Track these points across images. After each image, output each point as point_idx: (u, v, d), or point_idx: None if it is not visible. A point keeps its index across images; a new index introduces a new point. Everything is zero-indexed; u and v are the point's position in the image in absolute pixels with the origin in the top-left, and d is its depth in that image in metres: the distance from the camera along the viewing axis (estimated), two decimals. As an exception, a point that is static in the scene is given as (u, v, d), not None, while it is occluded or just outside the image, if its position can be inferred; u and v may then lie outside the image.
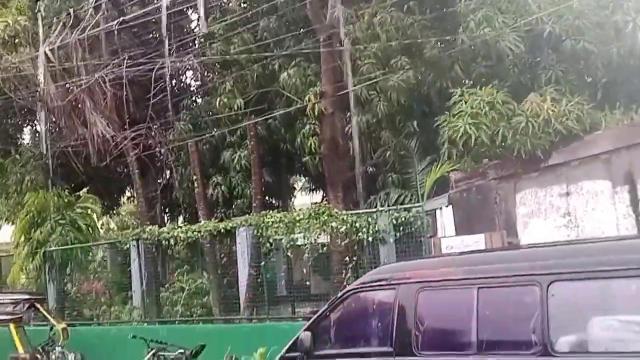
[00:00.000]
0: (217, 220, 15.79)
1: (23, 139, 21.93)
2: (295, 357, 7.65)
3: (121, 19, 16.95)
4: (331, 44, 15.20)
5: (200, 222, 16.22)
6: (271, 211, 14.95)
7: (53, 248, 17.65)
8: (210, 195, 17.82)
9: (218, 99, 17.30)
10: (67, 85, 17.99)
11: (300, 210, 15.80)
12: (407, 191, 14.68)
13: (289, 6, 16.74)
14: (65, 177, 20.57)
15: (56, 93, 17.55)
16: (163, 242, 15.82)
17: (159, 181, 20.95)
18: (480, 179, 11.12)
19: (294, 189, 23.29)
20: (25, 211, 18.52)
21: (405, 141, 14.97)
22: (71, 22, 17.35)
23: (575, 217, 9.66)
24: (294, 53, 16.49)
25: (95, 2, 17.55)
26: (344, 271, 13.45)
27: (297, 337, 7.62)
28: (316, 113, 15.45)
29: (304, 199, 23.90)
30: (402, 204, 13.92)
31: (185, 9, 18.85)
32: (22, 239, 18.44)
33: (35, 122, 20.43)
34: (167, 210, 22.35)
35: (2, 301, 14.33)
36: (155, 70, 16.92)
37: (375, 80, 14.50)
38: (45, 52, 17.31)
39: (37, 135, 20.64)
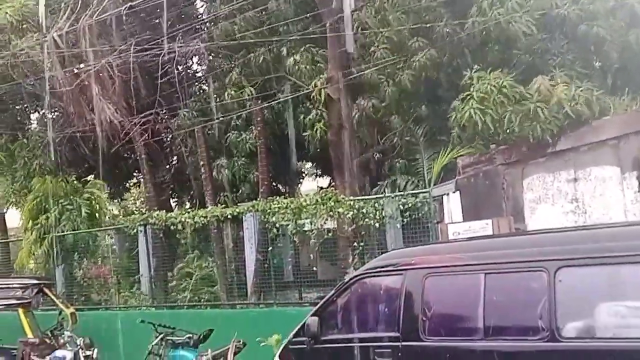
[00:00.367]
0: (224, 206, 15.81)
1: (31, 125, 21.94)
2: (303, 342, 7.70)
3: (129, 4, 16.87)
4: (338, 28, 15.12)
5: (207, 207, 16.25)
6: (278, 197, 14.95)
7: (61, 233, 17.71)
8: (217, 180, 17.81)
9: (227, 92, 17.22)
10: (75, 71, 17.96)
11: (307, 196, 15.80)
12: (414, 177, 14.65)
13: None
14: (73, 163, 20.61)
15: (64, 78, 17.52)
16: (170, 227, 15.86)
17: (166, 166, 20.97)
18: (487, 164, 11.10)
19: (301, 174, 23.28)
20: (32, 196, 18.57)
21: (413, 127, 14.92)
22: (79, 6, 17.28)
23: (582, 202, 9.63)
24: (302, 38, 16.40)
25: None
26: (350, 257, 13.46)
27: (304, 323, 7.67)
28: (323, 99, 15.42)
29: (310, 185, 23.91)
30: (409, 189, 13.90)
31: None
32: (30, 224, 18.49)
33: (43, 107, 20.43)
34: (174, 196, 22.39)
35: (10, 286, 14.41)
36: (162, 56, 16.87)
37: (386, 63, 14.40)
38: (53, 37, 17.27)
39: (44, 120, 20.66)
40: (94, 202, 18.57)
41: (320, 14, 15.91)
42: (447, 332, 6.64)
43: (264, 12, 17.24)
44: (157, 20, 18.91)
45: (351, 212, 13.30)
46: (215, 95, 18.26)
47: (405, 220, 13.07)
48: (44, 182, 18.49)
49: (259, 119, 16.88)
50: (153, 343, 11.84)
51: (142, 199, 23.33)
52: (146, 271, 16.73)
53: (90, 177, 21.23)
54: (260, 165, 16.80)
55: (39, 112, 21.05)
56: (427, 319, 6.70)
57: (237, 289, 15.68)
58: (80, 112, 18.15)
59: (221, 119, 17.74)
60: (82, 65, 17.56)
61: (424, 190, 13.06)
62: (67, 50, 17.33)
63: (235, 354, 10.91)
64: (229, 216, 15.18)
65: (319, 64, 16.03)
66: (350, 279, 7.80)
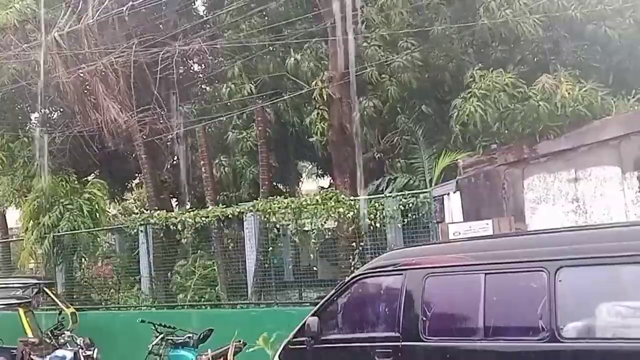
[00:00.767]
0: (224, 206, 15.80)
1: (31, 124, 21.94)
2: (303, 342, 7.70)
3: (130, 3, 16.86)
4: (339, 27, 15.10)
5: (207, 207, 16.24)
6: (278, 197, 14.94)
7: (61, 233, 17.70)
8: (217, 179, 17.80)
9: (225, 86, 17.24)
10: (77, 70, 17.96)
11: (307, 195, 15.79)
12: (415, 176, 14.65)
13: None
14: (74, 162, 20.60)
15: (66, 77, 17.52)
16: (171, 227, 15.85)
17: (167, 166, 20.95)
18: (488, 164, 11.09)
19: (302, 174, 23.27)
20: (33, 196, 18.56)
21: (414, 126, 14.92)
22: (80, 6, 17.28)
23: (583, 203, 9.62)
24: (303, 37, 16.40)
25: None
26: (351, 256, 13.46)
27: (304, 322, 7.66)
28: (324, 98, 15.42)
29: (311, 185, 23.92)
30: (410, 189, 13.90)
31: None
32: (31, 223, 18.49)
33: (47, 107, 20.45)
34: (175, 195, 22.38)
35: (11, 285, 14.41)
36: (162, 54, 16.86)
37: (383, 62, 14.42)
38: (54, 37, 17.27)
39: (45, 120, 20.67)
40: (94, 202, 18.54)
41: (321, 13, 15.91)
42: (447, 332, 6.63)
43: (265, 13, 17.23)
44: (158, 19, 18.93)
45: (352, 212, 13.30)
46: (216, 94, 18.26)
47: (406, 220, 13.07)
48: (44, 181, 18.47)
49: (259, 118, 16.86)
50: (153, 343, 11.85)
51: (143, 199, 23.29)
52: (146, 271, 16.72)
53: (91, 177, 21.19)
54: (261, 165, 16.78)
55: (40, 112, 21.04)
56: (427, 319, 6.69)
57: (238, 288, 15.66)
58: (82, 111, 18.16)
59: (222, 117, 17.74)
60: (84, 65, 17.55)
61: (424, 190, 13.06)
62: (69, 50, 17.33)
63: (235, 353, 10.90)
64: (230, 216, 15.17)
65: (323, 61, 16.02)
66: (351, 279, 7.79)
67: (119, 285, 18.05)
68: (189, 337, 11.74)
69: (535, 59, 12.53)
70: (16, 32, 18.27)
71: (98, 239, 18.59)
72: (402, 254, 8.08)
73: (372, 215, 13.09)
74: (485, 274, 6.30)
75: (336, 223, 14.17)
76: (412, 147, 15.00)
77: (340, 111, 15.41)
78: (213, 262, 15.99)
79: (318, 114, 16.16)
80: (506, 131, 10.96)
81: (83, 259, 18.56)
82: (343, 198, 13.60)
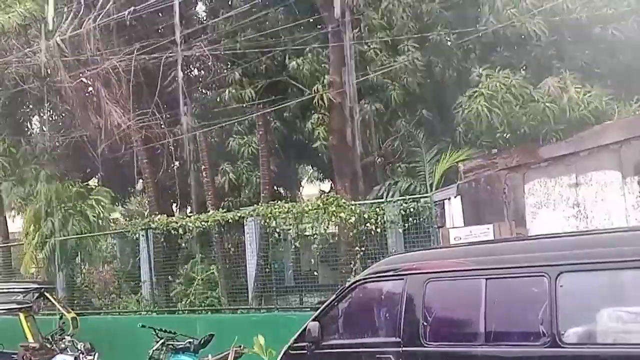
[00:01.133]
0: (225, 210, 15.80)
1: (33, 128, 21.97)
2: (303, 347, 7.68)
3: (132, 8, 16.87)
4: (340, 32, 15.13)
5: (208, 211, 16.24)
6: (279, 201, 14.94)
7: (62, 237, 17.70)
8: (219, 184, 17.81)
9: (227, 91, 17.25)
10: (80, 75, 17.99)
11: (308, 200, 15.79)
12: (416, 181, 14.65)
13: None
14: (77, 167, 20.61)
15: (68, 82, 17.54)
16: (172, 232, 15.85)
17: (168, 171, 20.97)
18: (489, 169, 11.08)
19: (302, 178, 23.27)
20: (35, 200, 18.57)
21: (415, 130, 14.93)
22: (82, 10, 17.31)
23: (584, 207, 9.61)
24: (304, 42, 16.42)
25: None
26: (352, 261, 13.45)
27: (305, 327, 7.64)
28: (326, 102, 15.44)
29: (312, 189, 23.91)
30: (410, 194, 13.89)
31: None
32: (32, 228, 18.49)
33: (48, 111, 20.46)
34: (176, 200, 22.38)
35: (12, 290, 14.39)
36: (164, 58, 16.88)
37: (385, 65, 14.44)
38: (56, 41, 17.29)
39: (48, 125, 20.69)
40: (97, 207, 18.54)
41: (322, 18, 15.94)
42: (448, 337, 6.62)
43: (265, 19, 17.23)
44: (158, 24, 18.95)
45: (353, 217, 13.29)
46: (217, 99, 18.28)
47: (406, 224, 13.06)
48: (47, 188, 18.47)
49: (260, 122, 16.87)
50: (153, 348, 11.82)
51: (145, 203, 23.31)
52: (147, 276, 16.71)
53: (93, 181, 21.19)
54: (262, 169, 16.78)
55: (42, 117, 21.06)
56: (428, 324, 6.67)
57: (238, 293, 15.66)
58: (84, 116, 18.18)
59: (223, 123, 17.75)
60: (86, 69, 17.57)
61: (425, 195, 13.05)
62: (71, 54, 17.34)
63: (235, 359, 10.88)
64: (230, 221, 15.17)
65: (323, 64, 16.04)
66: (351, 284, 7.78)
67: (119, 290, 18.03)
68: (189, 343, 11.72)
69: (540, 62, 12.51)
70: (18, 36, 18.29)
71: (99, 243, 18.58)
72: (403, 259, 8.07)
73: (373, 220, 13.08)
74: (486, 279, 6.28)
75: (337, 228, 14.16)
76: (413, 151, 15.01)
77: (341, 115, 15.42)
78: (214, 267, 15.98)
79: (319, 118, 16.17)
80: (509, 134, 10.95)
81: (84, 264, 18.55)
82: (344, 203, 13.59)
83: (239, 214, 15.11)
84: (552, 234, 8.01)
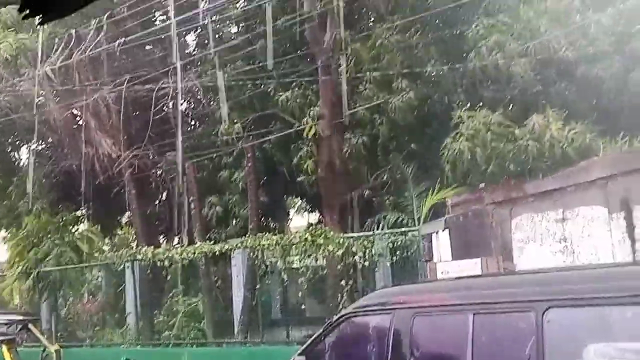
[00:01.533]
0: (212, 242, 15.74)
1: (21, 159, 21.91)
2: (290, 381, 7.60)
3: (122, 39, 16.97)
4: (329, 67, 15.28)
5: (195, 243, 16.17)
6: (267, 233, 14.91)
7: (47, 268, 17.54)
8: (206, 216, 17.76)
9: (220, 127, 17.29)
10: (68, 105, 18.01)
11: (296, 232, 15.77)
12: (404, 214, 14.68)
13: (287, 30, 16.82)
14: (64, 198, 20.52)
15: (57, 112, 17.56)
16: (158, 263, 15.75)
17: (156, 202, 20.91)
18: (476, 203, 11.12)
19: (290, 210, 23.24)
20: (21, 231, 18.43)
21: (403, 164, 15.00)
22: (73, 41, 17.39)
23: (571, 242, 9.63)
24: (292, 75, 16.55)
25: (97, 23, 17.61)
26: (339, 295, 13.39)
27: (292, 362, 7.58)
28: (316, 135, 15.51)
29: (300, 221, 23.86)
30: (399, 227, 13.91)
31: (184, 33, 18.93)
32: (18, 259, 18.32)
33: (38, 141, 20.44)
34: (163, 231, 22.28)
35: (-5, 321, 14.18)
36: (154, 91, 16.95)
37: (374, 101, 14.58)
38: (46, 72, 17.34)
39: (36, 155, 20.64)
40: (84, 239, 18.42)
41: (312, 51, 16.08)
42: (435, 372, 6.58)
43: (254, 53, 17.36)
44: (148, 56, 19.04)
45: (341, 250, 13.26)
46: (206, 131, 18.33)
47: (394, 258, 13.05)
48: (36, 219, 18.35)
49: (249, 155, 16.91)
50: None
51: (132, 234, 23.19)
52: (133, 308, 16.56)
53: (81, 212, 21.07)
54: (250, 201, 16.77)
55: (30, 147, 21.02)
56: (416, 358, 6.63)
57: (224, 326, 15.53)
58: (72, 146, 18.16)
59: (212, 155, 17.77)
60: (76, 100, 17.61)
61: (413, 228, 13.07)
62: (61, 84, 17.38)
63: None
64: (218, 253, 15.10)
65: (309, 98, 16.15)
66: (339, 318, 7.73)
67: (104, 322, 17.83)
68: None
69: (526, 99, 12.67)
70: (8, 66, 18.32)
71: (84, 274, 18.42)
72: (391, 293, 8.03)
73: (361, 253, 13.06)
74: (474, 314, 6.26)
75: (325, 261, 14.12)
76: (401, 184, 15.06)
77: (330, 148, 15.49)
78: (200, 300, 15.86)
79: (307, 151, 16.23)
80: (495, 170, 11.03)
81: (69, 295, 18.36)
82: (332, 235, 13.58)
83: (226, 246, 15.05)
84: (539, 269, 8.02)
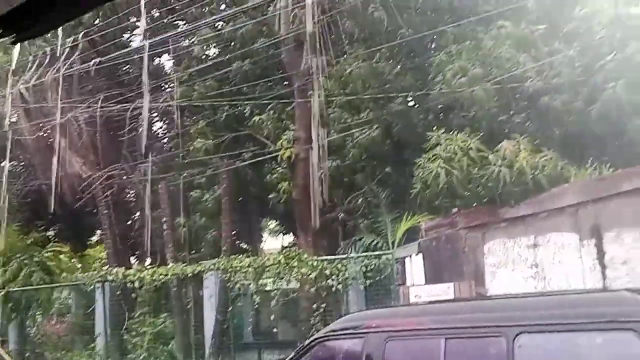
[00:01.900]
0: (184, 264, 15.61)
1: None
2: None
3: (98, 59, 16.92)
4: (305, 90, 15.35)
5: (167, 264, 16.02)
6: (240, 255, 14.84)
7: (16, 289, 17.25)
8: (179, 237, 17.64)
9: (191, 144, 17.25)
10: (41, 124, 17.86)
11: (270, 254, 15.71)
12: (378, 237, 14.70)
13: (263, 51, 16.91)
14: (34, 217, 20.26)
15: (29, 131, 17.40)
16: (129, 284, 15.56)
17: (127, 222, 20.72)
18: (449, 227, 11.17)
19: (264, 232, 23.18)
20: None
21: (377, 188, 15.05)
22: (47, 60, 17.29)
23: (542, 269, 9.70)
24: (268, 98, 16.60)
25: (72, 42, 17.54)
26: (312, 318, 13.34)
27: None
28: (292, 158, 15.53)
29: (274, 243, 23.80)
30: (373, 250, 13.92)
31: (159, 54, 18.94)
32: (-15, 279, 18.01)
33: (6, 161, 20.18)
34: (134, 252, 22.07)
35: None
36: (127, 110, 16.88)
37: (344, 126, 14.70)
38: (19, 90, 17.20)
39: (6, 174, 20.37)
40: (54, 259, 18.18)
41: (288, 75, 16.16)
42: (407, 397, 6.56)
43: (229, 75, 17.40)
44: (124, 77, 18.99)
45: (314, 273, 13.24)
46: (180, 151, 18.26)
47: (368, 281, 13.05)
48: (5, 240, 18.07)
49: (224, 176, 16.86)
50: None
51: (103, 255, 22.93)
52: (102, 329, 16.32)
53: (52, 232, 20.83)
54: (224, 223, 16.69)
55: (1, 166, 20.77)
56: (387, 383, 6.61)
57: (195, 349, 15.35)
58: (44, 166, 17.98)
59: (185, 175, 17.70)
60: (48, 119, 17.46)
61: (387, 252, 13.09)
62: (34, 103, 17.24)
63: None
64: (190, 274, 14.97)
65: (284, 122, 16.20)
66: (311, 341, 7.67)
67: (72, 343, 17.54)
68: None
69: (494, 126, 12.84)
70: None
71: (53, 295, 18.15)
72: (364, 317, 8.01)
73: (334, 276, 13.04)
74: (446, 338, 6.27)
75: (298, 283, 14.08)
76: (375, 207, 15.10)
77: (305, 171, 15.51)
78: (170, 322, 15.68)
79: (282, 172, 16.24)
80: (468, 194, 11.10)
81: (37, 316, 18.06)
82: (306, 258, 13.55)
83: (198, 268, 14.94)
84: (510, 295, 8.06)
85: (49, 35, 16.89)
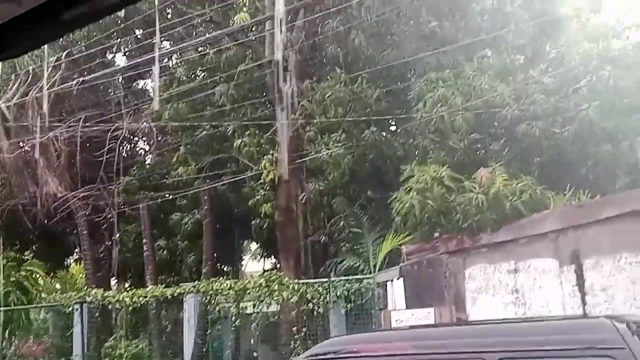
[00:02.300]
0: (164, 286, 15.48)
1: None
2: None
3: (81, 79, 16.86)
4: (288, 113, 15.38)
5: (147, 286, 15.89)
6: (221, 278, 14.76)
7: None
8: (159, 259, 17.52)
9: (172, 167, 17.18)
10: (20, 143, 17.73)
11: (251, 277, 15.64)
12: (360, 260, 14.69)
13: (247, 74, 16.94)
14: (11, 236, 20.02)
15: (7, 150, 17.26)
16: (109, 306, 15.40)
17: (107, 243, 20.55)
18: (430, 252, 11.18)
19: (245, 255, 23.08)
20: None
21: (359, 211, 15.07)
22: (29, 79, 17.21)
23: (522, 294, 9.73)
24: (249, 121, 16.62)
25: (55, 61, 17.48)
26: (293, 342, 13.26)
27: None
28: (275, 180, 15.51)
29: (255, 266, 23.70)
30: (354, 273, 13.90)
31: (140, 74, 18.91)
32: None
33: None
34: (114, 273, 21.87)
35: None
36: (110, 132, 16.81)
37: (322, 150, 14.76)
38: (0, 108, 17.09)
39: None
40: (30, 279, 17.96)
41: (268, 99, 16.20)
42: (387, 423, 6.51)
43: (212, 97, 17.41)
44: (106, 97, 18.94)
45: (295, 296, 13.19)
46: (161, 172, 18.20)
47: (349, 305, 13.01)
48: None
49: (205, 197, 16.82)
50: None
51: (82, 276, 22.69)
52: (80, 351, 16.09)
53: (29, 252, 20.59)
54: (205, 245, 16.63)
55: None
56: (368, 409, 6.56)
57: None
58: (22, 185, 17.82)
59: (165, 197, 17.62)
60: (26, 138, 17.34)
61: (368, 276, 13.07)
62: (14, 121, 17.13)
63: None
64: (169, 297, 14.85)
65: (264, 146, 16.22)
66: (291, 366, 7.65)
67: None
68: None
69: (471, 150, 12.97)
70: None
71: (30, 316, 17.90)
72: (345, 341, 7.95)
73: (315, 300, 13.00)
74: (426, 364, 6.26)
75: (279, 307, 14.00)
76: (356, 231, 15.11)
77: (287, 193, 15.51)
78: (147, 345, 15.51)
79: (264, 195, 16.22)
80: (444, 223, 11.14)
81: (14, 337, 17.79)
82: (287, 282, 13.50)
83: (178, 290, 14.82)
84: (491, 320, 8.06)
85: (33, 54, 16.84)
